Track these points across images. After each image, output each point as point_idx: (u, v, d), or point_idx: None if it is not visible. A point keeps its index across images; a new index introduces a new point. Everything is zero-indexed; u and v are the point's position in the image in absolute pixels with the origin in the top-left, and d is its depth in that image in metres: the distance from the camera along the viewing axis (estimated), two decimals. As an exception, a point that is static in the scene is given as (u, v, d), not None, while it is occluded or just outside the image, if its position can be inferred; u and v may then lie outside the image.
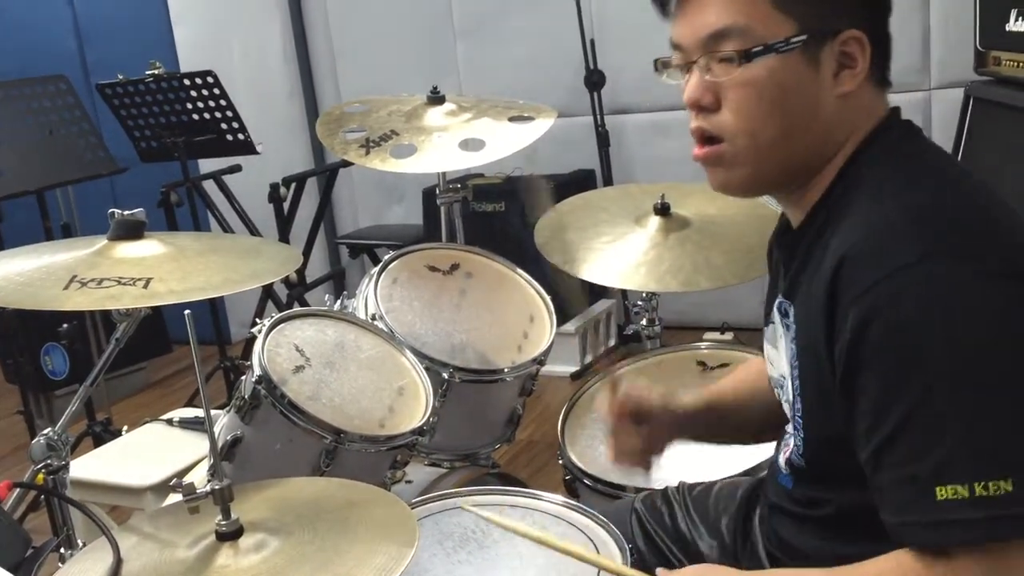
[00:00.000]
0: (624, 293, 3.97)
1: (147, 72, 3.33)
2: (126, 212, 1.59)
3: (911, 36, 3.52)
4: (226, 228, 3.71)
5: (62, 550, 1.61)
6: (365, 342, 1.78)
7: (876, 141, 1.11)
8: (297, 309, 1.81)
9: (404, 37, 4.48)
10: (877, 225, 1.02)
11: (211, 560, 1.08)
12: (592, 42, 3.90)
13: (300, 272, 3.70)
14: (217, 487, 1.09)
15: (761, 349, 1.48)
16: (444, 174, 2.39)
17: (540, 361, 1.97)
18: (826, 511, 1.15)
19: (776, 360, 1.22)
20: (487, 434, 2.01)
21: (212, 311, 3.52)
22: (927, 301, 0.95)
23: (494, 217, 3.97)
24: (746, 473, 1.63)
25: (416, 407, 1.71)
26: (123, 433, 2.53)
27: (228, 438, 1.60)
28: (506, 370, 1.91)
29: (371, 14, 4.53)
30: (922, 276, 0.96)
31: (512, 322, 2.02)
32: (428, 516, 1.43)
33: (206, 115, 3.37)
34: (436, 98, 2.30)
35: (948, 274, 0.96)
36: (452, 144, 2.17)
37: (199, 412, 2.48)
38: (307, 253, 4.03)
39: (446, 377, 1.82)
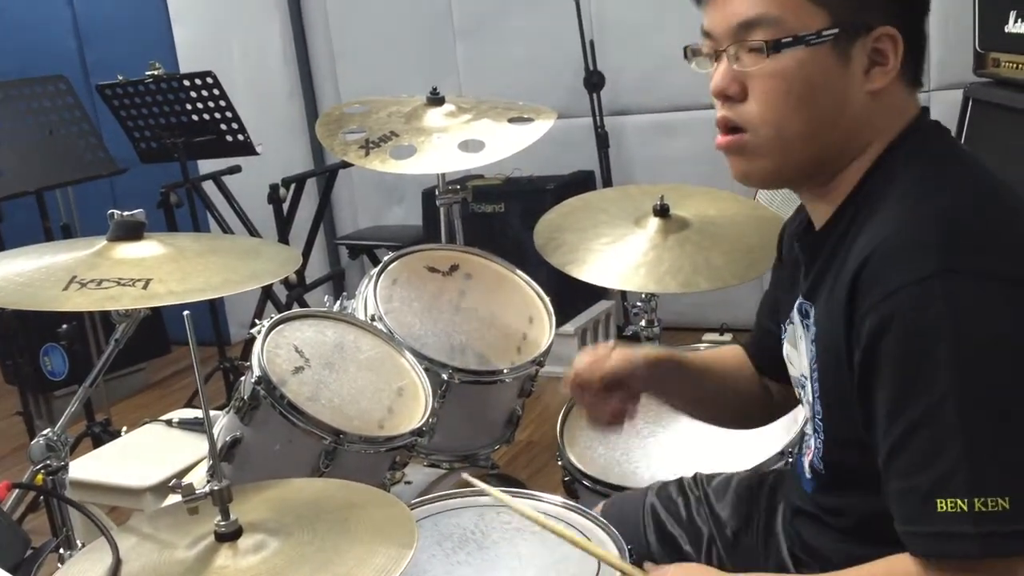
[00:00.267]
0: (623, 294, 3.97)
1: (147, 73, 3.33)
2: (126, 213, 1.59)
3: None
4: (225, 229, 3.71)
5: (61, 551, 1.61)
6: (364, 343, 1.78)
7: (906, 142, 1.09)
8: (296, 310, 1.82)
9: (404, 38, 4.48)
10: (902, 230, 1.00)
11: (210, 561, 1.08)
12: (592, 43, 3.90)
13: (299, 273, 3.69)
14: (216, 488, 1.09)
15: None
16: (444, 175, 2.39)
17: (539, 362, 1.97)
18: (847, 520, 1.16)
19: (796, 361, 1.22)
20: (486, 435, 2.01)
21: (211, 312, 3.52)
22: (945, 314, 0.94)
23: (494, 218, 3.96)
24: (758, 467, 1.63)
25: (415, 408, 1.71)
26: (122, 434, 2.52)
27: (227, 439, 1.60)
28: (505, 371, 1.91)
29: (371, 15, 4.53)
30: (943, 288, 0.95)
31: (511, 323, 2.02)
32: (427, 517, 1.43)
33: (206, 116, 3.37)
34: (436, 99, 2.30)
35: (969, 289, 0.95)
36: (452, 145, 2.17)
37: (198, 413, 2.48)
38: (306, 254, 4.03)
39: (445, 378, 1.82)
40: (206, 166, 3.93)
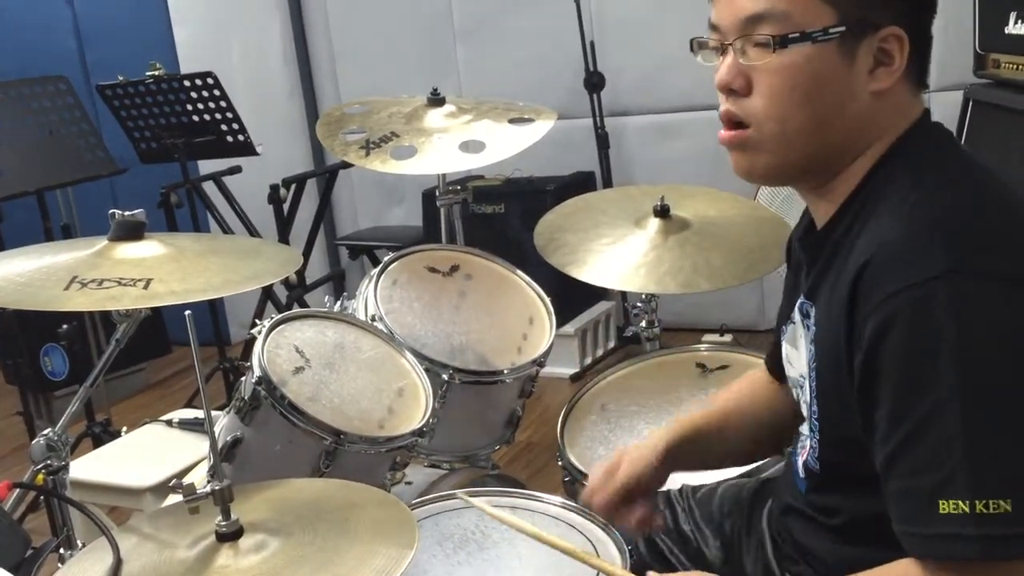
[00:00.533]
0: (623, 295, 3.97)
1: (147, 73, 3.33)
2: (126, 213, 1.59)
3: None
4: (226, 229, 3.71)
5: (62, 551, 1.61)
6: (365, 343, 1.78)
7: (909, 142, 1.09)
8: (297, 310, 1.82)
9: (404, 38, 4.48)
10: (904, 231, 1.00)
11: (211, 561, 1.08)
12: (592, 44, 3.90)
13: (300, 273, 3.69)
14: (217, 488, 1.10)
15: (760, 351, 1.48)
16: (444, 176, 2.39)
17: (540, 363, 1.97)
18: (840, 520, 1.16)
19: (796, 360, 1.22)
20: (486, 435, 2.01)
21: (212, 312, 3.52)
22: (948, 315, 0.94)
23: (494, 219, 3.97)
24: (746, 475, 1.63)
25: (416, 408, 1.71)
26: (123, 434, 2.53)
27: (228, 439, 1.60)
28: (505, 372, 1.91)
29: (371, 15, 4.53)
30: (945, 290, 0.95)
31: (512, 324, 2.02)
32: (428, 517, 1.43)
33: (206, 116, 3.37)
34: (436, 99, 2.30)
35: (971, 290, 0.95)
36: (452, 146, 2.17)
37: (199, 413, 2.48)
38: (307, 254, 4.03)
39: (446, 378, 1.82)
40: (206, 166, 3.93)
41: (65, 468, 1.58)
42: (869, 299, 0.99)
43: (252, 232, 3.73)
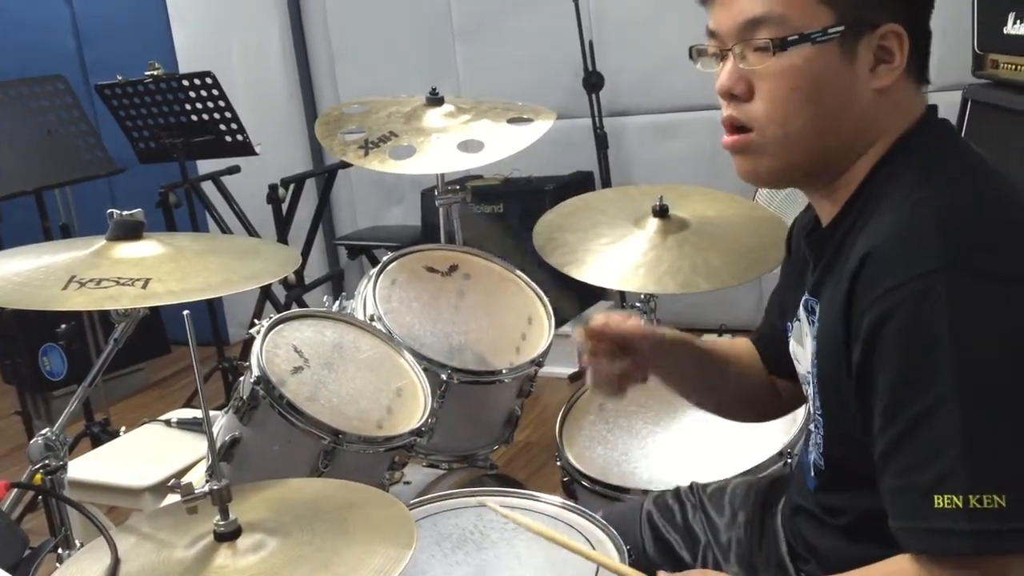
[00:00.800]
0: (622, 295, 3.97)
1: (146, 73, 3.33)
2: (125, 212, 1.59)
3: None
4: (224, 229, 3.71)
5: (60, 550, 1.61)
6: (363, 343, 1.78)
7: (912, 139, 1.09)
8: (295, 310, 1.81)
9: (403, 38, 4.48)
10: (903, 228, 1.00)
11: (209, 561, 1.08)
12: (591, 44, 3.90)
13: (299, 273, 3.69)
14: (215, 487, 1.09)
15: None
16: (443, 175, 2.39)
17: (538, 362, 1.97)
18: (846, 519, 1.16)
19: (802, 357, 1.22)
20: (485, 435, 2.01)
21: (210, 312, 3.52)
22: (945, 311, 0.94)
23: (493, 218, 3.97)
24: (752, 471, 1.63)
25: (414, 408, 1.71)
26: (121, 434, 2.52)
27: (226, 439, 1.60)
28: (504, 371, 1.91)
29: (370, 15, 4.53)
30: (943, 285, 0.95)
31: (510, 323, 2.02)
32: (426, 517, 1.43)
33: (205, 116, 3.37)
34: (435, 99, 2.30)
35: (970, 287, 0.95)
36: (451, 145, 2.17)
37: (197, 413, 2.48)
38: (305, 254, 4.03)
39: (444, 378, 1.82)
40: (205, 166, 3.93)
41: (63, 468, 1.57)
42: (867, 294, 1.00)
43: (251, 232, 3.73)
